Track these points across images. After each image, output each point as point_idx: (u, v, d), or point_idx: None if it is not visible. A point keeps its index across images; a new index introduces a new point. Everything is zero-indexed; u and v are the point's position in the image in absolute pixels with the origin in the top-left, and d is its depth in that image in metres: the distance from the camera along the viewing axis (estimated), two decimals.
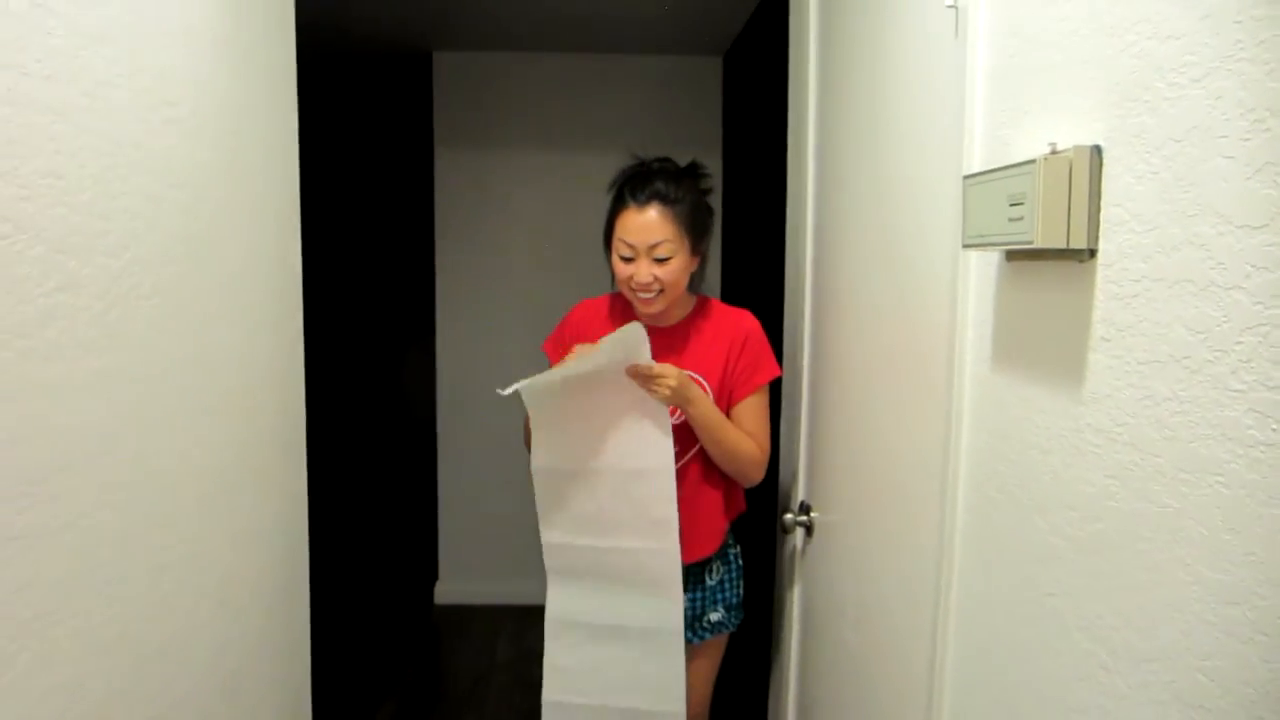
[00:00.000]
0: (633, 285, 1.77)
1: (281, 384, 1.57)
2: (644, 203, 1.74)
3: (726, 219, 3.76)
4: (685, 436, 1.82)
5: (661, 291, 1.77)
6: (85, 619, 0.97)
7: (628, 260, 1.76)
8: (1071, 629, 0.88)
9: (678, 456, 1.83)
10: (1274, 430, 0.62)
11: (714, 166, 3.84)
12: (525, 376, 1.68)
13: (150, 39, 1.10)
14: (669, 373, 1.67)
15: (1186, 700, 0.71)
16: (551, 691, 1.89)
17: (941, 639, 1.19)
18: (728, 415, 1.85)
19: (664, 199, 1.74)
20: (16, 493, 0.85)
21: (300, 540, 1.69)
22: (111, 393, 1.02)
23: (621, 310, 1.93)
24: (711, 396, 1.81)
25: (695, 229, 1.79)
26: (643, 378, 1.68)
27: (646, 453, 1.74)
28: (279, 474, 1.56)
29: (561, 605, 1.89)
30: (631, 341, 1.65)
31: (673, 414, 1.78)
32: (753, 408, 1.86)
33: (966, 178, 1.02)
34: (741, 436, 1.82)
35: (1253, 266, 0.64)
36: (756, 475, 1.87)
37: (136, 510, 1.07)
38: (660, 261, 1.74)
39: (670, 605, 1.79)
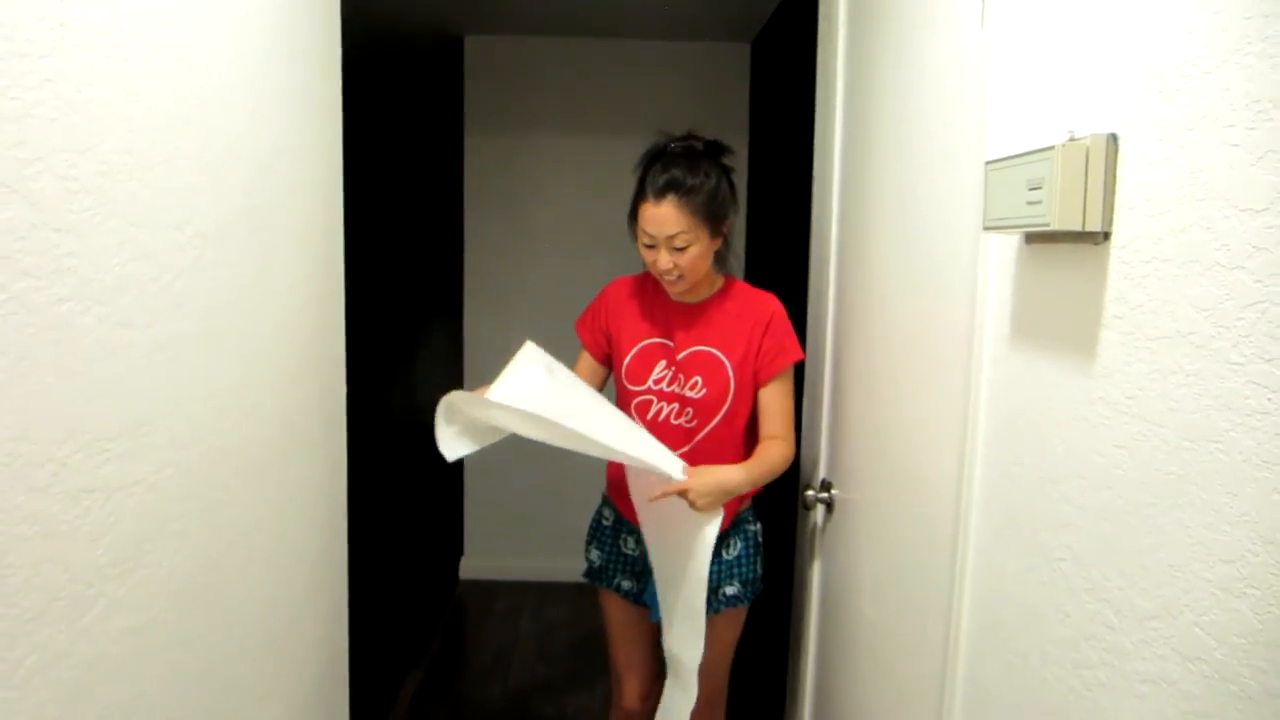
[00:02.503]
0: (658, 270, 1.83)
1: (325, 357, 1.63)
2: (660, 194, 1.79)
3: (752, 204, 3.81)
4: (702, 410, 1.88)
5: (682, 276, 1.83)
6: (154, 569, 1.03)
7: (650, 247, 1.83)
8: (1080, 591, 0.93)
9: (695, 431, 1.90)
10: (1269, 399, 0.67)
11: (741, 152, 3.86)
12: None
13: (210, 24, 1.16)
14: (692, 486, 1.73)
15: (1184, 653, 0.76)
16: None
17: (957, 607, 1.24)
18: (753, 398, 1.90)
19: (679, 189, 1.78)
20: (95, 448, 0.92)
21: (340, 507, 1.76)
22: (176, 358, 1.08)
23: (653, 288, 1.98)
24: (731, 372, 1.87)
25: (714, 214, 1.83)
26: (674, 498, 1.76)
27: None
28: (322, 443, 1.62)
29: None
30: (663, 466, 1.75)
31: (692, 388, 1.86)
32: (777, 393, 1.91)
33: (988, 163, 1.07)
34: (769, 457, 1.88)
35: (1254, 247, 0.69)
36: (789, 464, 1.94)
37: (197, 471, 1.14)
38: (679, 250, 1.80)
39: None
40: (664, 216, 1.78)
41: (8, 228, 0.79)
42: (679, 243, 1.79)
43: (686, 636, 1.85)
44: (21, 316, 0.81)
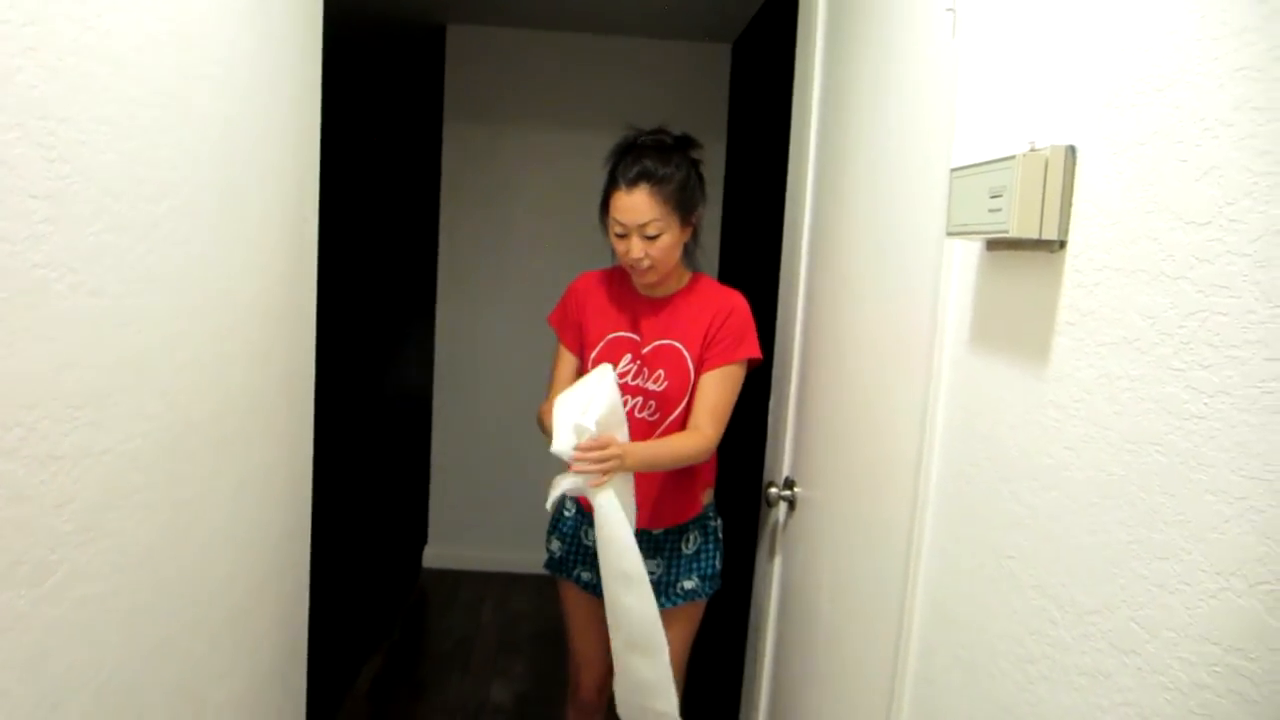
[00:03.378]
0: (627, 261, 1.85)
1: (295, 337, 1.64)
2: (632, 183, 1.82)
3: (727, 206, 3.84)
4: (662, 403, 1.91)
5: (653, 266, 1.85)
6: (117, 539, 1.04)
7: (621, 237, 1.85)
8: (1026, 587, 0.96)
9: (657, 424, 1.92)
10: (1205, 404, 0.70)
11: (718, 154, 3.91)
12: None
13: (194, 2, 1.17)
14: (597, 456, 1.65)
15: (1120, 647, 0.80)
16: None
17: (909, 604, 1.27)
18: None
19: (651, 178, 1.81)
20: (63, 415, 0.93)
21: (304, 489, 1.76)
22: (147, 330, 1.09)
23: (620, 281, 2.01)
24: (691, 365, 1.89)
25: (684, 204, 1.86)
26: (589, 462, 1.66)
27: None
28: (287, 423, 1.63)
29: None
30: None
31: (655, 381, 1.88)
32: (717, 381, 1.91)
33: (953, 170, 1.10)
34: (678, 443, 1.86)
35: (1197, 259, 0.72)
36: (702, 460, 1.93)
37: (162, 443, 1.14)
38: (650, 239, 1.82)
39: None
40: (636, 205, 1.80)
41: None
42: (651, 230, 1.81)
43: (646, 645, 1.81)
44: None
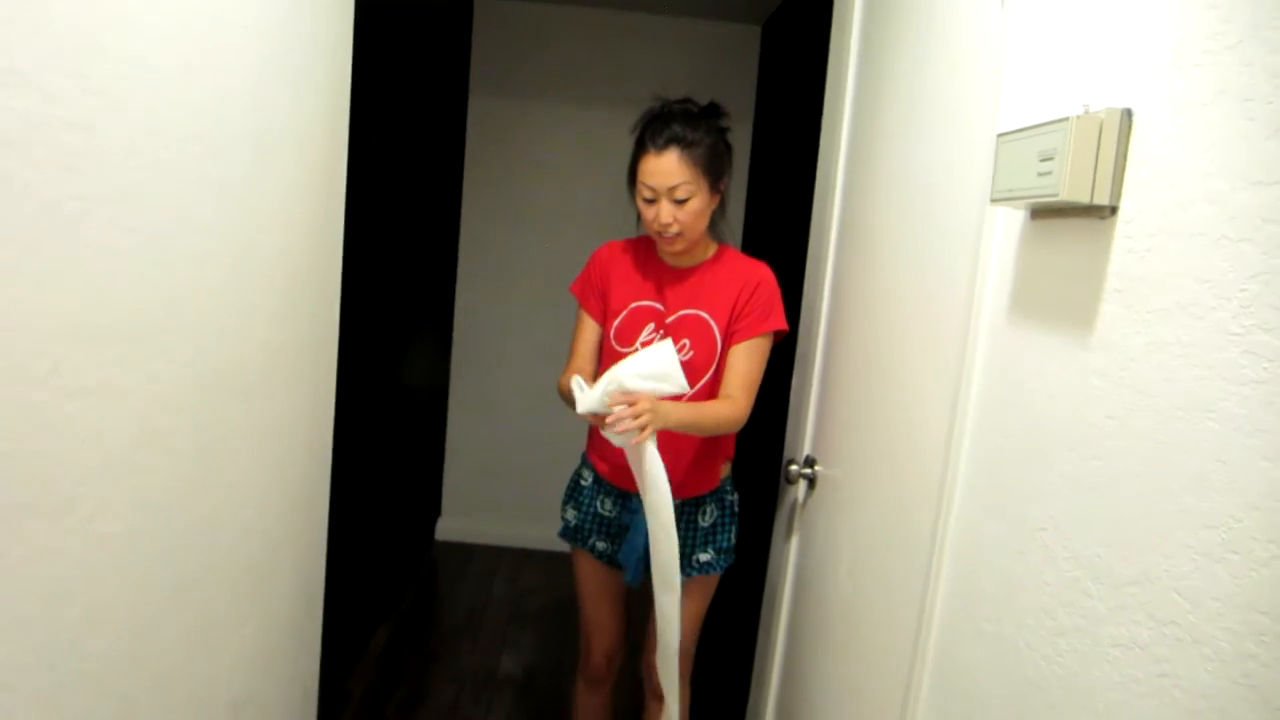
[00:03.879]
0: (656, 226, 1.83)
1: (318, 295, 1.63)
2: (662, 147, 1.81)
3: (752, 188, 3.81)
4: (690, 372, 1.89)
5: (681, 233, 1.83)
6: (142, 478, 1.04)
7: (650, 202, 1.83)
8: (1059, 559, 0.95)
9: (679, 396, 1.90)
10: (1264, 369, 0.68)
11: (744, 136, 3.87)
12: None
13: None
14: (639, 401, 1.66)
15: (1158, 617, 0.78)
16: None
17: (934, 578, 1.25)
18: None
19: (681, 142, 1.81)
20: (93, 351, 0.92)
21: (324, 446, 1.76)
22: (177, 273, 1.08)
23: (645, 251, 1.99)
24: (718, 335, 1.88)
25: (713, 169, 1.86)
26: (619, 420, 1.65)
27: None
28: (310, 380, 1.62)
29: None
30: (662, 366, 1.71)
31: (680, 351, 1.86)
32: (747, 353, 1.91)
33: (1000, 135, 1.07)
34: (713, 409, 1.86)
35: (1262, 220, 0.70)
36: (736, 429, 1.93)
37: (187, 388, 1.14)
38: (680, 203, 1.81)
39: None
40: (666, 167, 1.80)
41: (21, 115, 0.79)
42: (681, 194, 1.80)
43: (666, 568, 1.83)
44: (31, 206, 0.80)
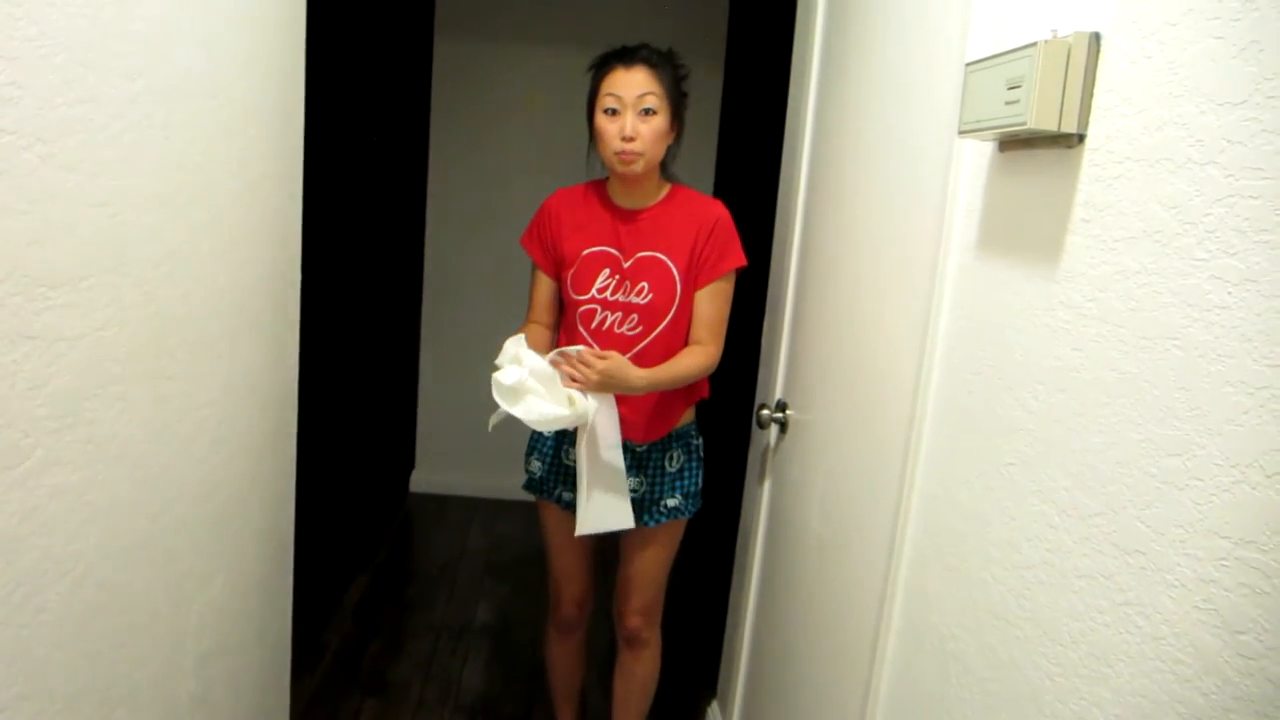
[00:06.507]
0: (617, 144, 1.81)
1: (279, 239, 1.59)
2: (632, 63, 1.83)
3: (723, 139, 3.76)
4: (647, 316, 1.88)
5: (642, 152, 1.81)
6: (93, 428, 1.01)
7: (613, 115, 1.81)
8: (1025, 494, 0.95)
9: (639, 338, 1.89)
10: (1229, 294, 0.68)
11: (715, 82, 3.81)
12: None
13: None
14: (590, 362, 1.74)
15: (1123, 547, 0.78)
16: None
17: (903, 515, 1.26)
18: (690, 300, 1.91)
19: (650, 61, 1.83)
20: (35, 294, 0.89)
21: (290, 397, 1.73)
22: (123, 214, 1.04)
23: (597, 195, 1.96)
24: (678, 276, 1.86)
25: (675, 99, 1.86)
26: (570, 367, 1.76)
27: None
28: (272, 326, 1.59)
29: None
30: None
31: (639, 294, 1.85)
32: (711, 296, 1.91)
33: (968, 64, 1.05)
34: (685, 361, 1.89)
35: (1228, 141, 0.69)
36: (709, 373, 1.95)
37: (142, 334, 1.11)
38: (646, 114, 1.80)
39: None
40: (637, 78, 1.81)
41: None
42: (648, 103, 1.80)
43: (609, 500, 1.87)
44: None
